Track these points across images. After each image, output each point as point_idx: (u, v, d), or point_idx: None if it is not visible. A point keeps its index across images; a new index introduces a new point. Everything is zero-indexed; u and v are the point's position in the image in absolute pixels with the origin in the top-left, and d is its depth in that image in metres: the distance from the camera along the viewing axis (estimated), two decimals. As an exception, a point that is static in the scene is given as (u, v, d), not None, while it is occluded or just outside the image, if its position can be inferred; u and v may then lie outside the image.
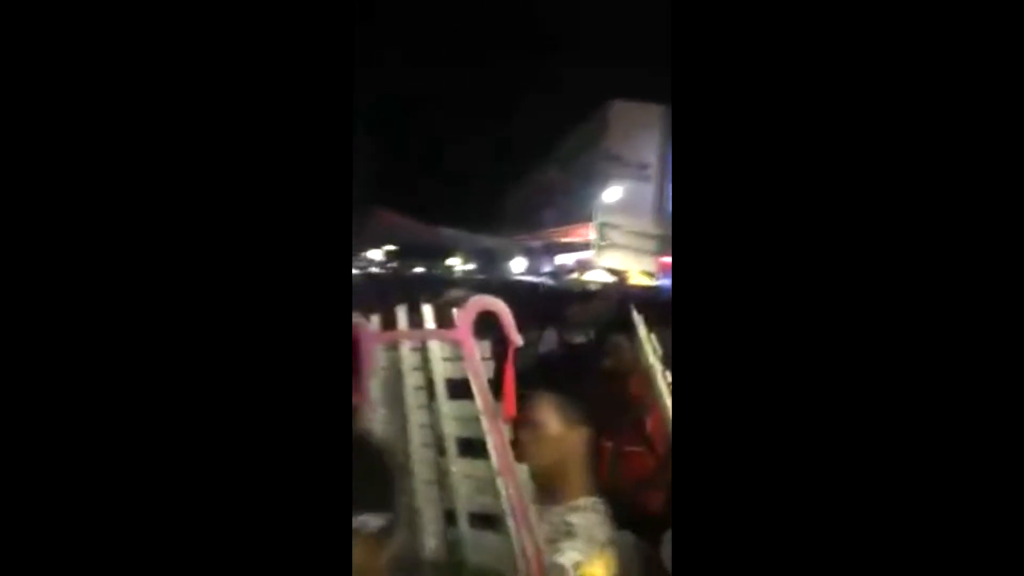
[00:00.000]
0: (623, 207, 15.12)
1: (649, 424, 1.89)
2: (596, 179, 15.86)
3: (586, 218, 15.74)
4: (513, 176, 25.33)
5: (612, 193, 15.13)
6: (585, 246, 15.71)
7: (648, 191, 15.76)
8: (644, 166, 15.85)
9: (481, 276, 17.83)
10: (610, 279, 12.68)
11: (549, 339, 3.38)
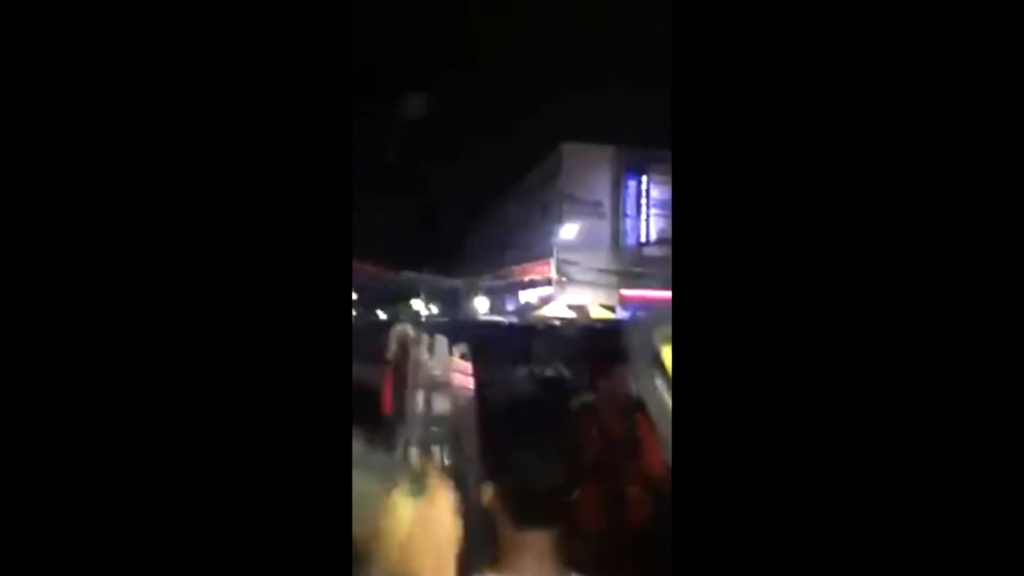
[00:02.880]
0: (580, 244, 15.63)
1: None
2: (553, 217, 16.37)
3: (546, 256, 16.15)
4: (473, 217, 25.69)
5: (569, 231, 15.64)
6: (546, 283, 16.06)
7: (603, 228, 16.37)
8: (598, 204, 16.49)
9: (444, 318, 17.84)
10: (571, 314, 12.97)
11: (519, 375, 3.43)
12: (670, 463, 0.63)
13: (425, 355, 1.13)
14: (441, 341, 1.18)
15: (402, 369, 1.08)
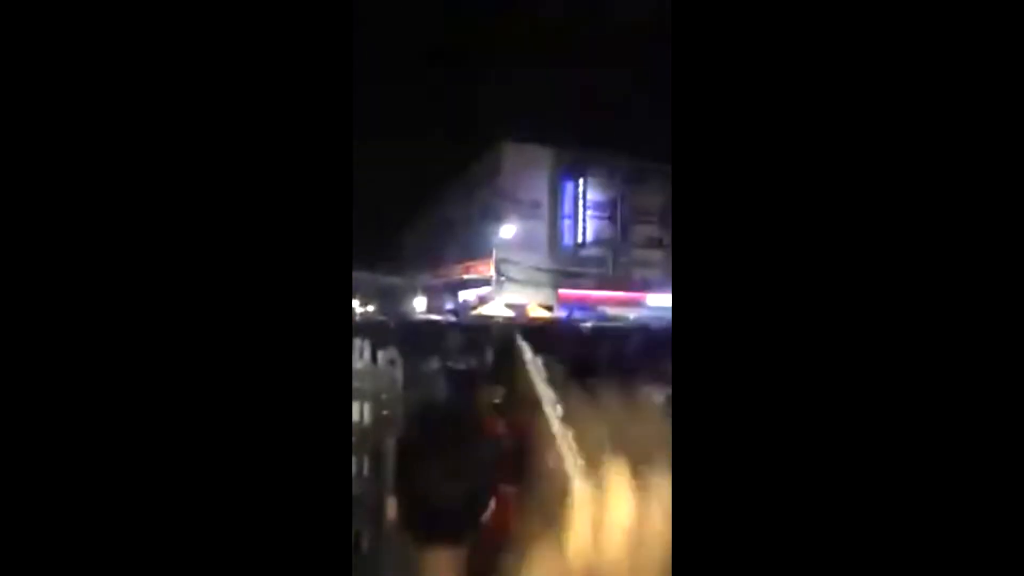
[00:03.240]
0: (519, 244, 15.75)
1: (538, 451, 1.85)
2: (492, 217, 16.41)
3: (485, 255, 16.17)
4: (411, 215, 25.34)
5: (508, 230, 15.72)
6: (485, 282, 16.08)
7: (541, 228, 16.58)
8: (536, 204, 16.68)
9: (382, 316, 17.54)
10: (510, 313, 13.07)
11: (431, 365, 3.40)
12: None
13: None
14: (363, 345, 1.13)
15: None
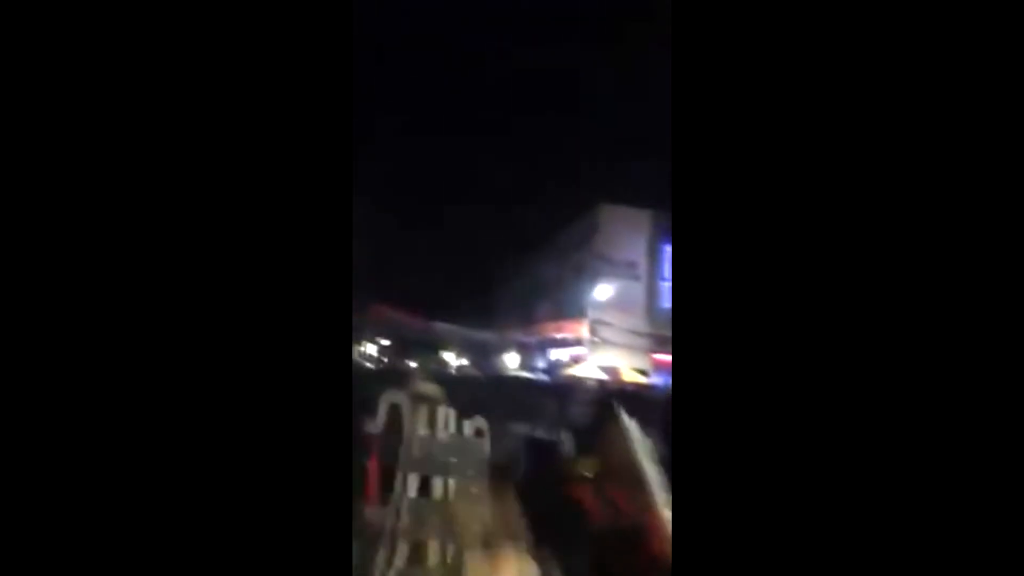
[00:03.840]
0: (614, 305, 15.49)
1: (646, 539, 1.69)
2: (587, 277, 16.36)
3: (579, 315, 16.04)
4: (508, 272, 25.92)
5: (603, 291, 15.56)
6: (578, 342, 15.87)
7: (638, 290, 16.24)
8: (633, 265, 16.43)
9: (474, 371, 17.72)
10: (602, 376, 12.72)
11: (511, 432, 3.27)
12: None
13: (423, 430, 0.96)
14: (447, 413, 1.03)
15: (393, 446, 0.93)
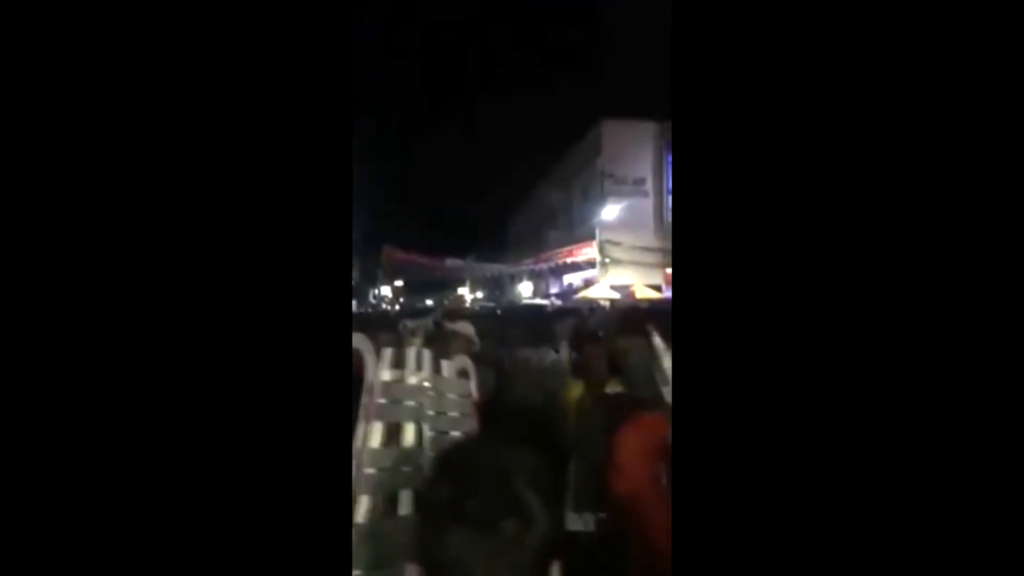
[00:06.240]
0: (623, 224, 15.28)
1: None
2: (595, 198, 16.07)
3: (588, 237, 15.90)
4: (514, 202, 25.60)
5: (611, 211, 15.31)
6: (590, 264, 15.83)
7: (647, 206, 15.94)
8: (640, 182, 16.05)
9: (490, 303, 17.94)
10: (615, 295, 12.77)
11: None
12: None
13: (386, 375, 0.89)
14: (421, 354, 0.95)
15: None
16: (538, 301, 15.74)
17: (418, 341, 1.52)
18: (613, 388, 2.00)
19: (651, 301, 11.92)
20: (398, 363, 0.91)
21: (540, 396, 2.25)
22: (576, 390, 2.19)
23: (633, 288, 13.66)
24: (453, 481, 0.57)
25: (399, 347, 0.96)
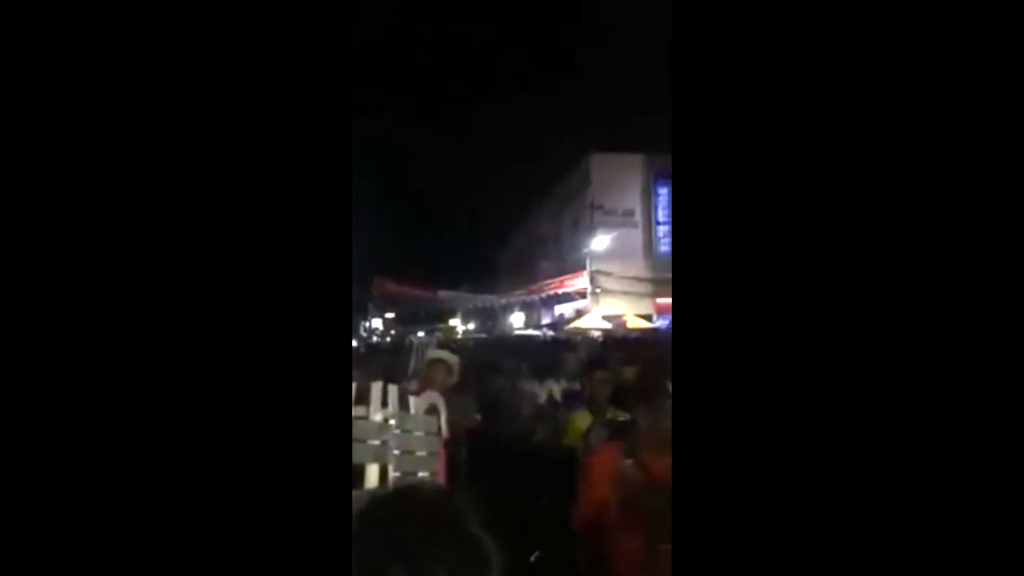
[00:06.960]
0: (613, 254, 15.40)
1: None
2: (585, 229, 16.22)
3: (579, 268, 15.99)
4: (506, 234, 25.76)
5: (601, 241, 15.44)
6: (580, 295, 15.88)
7: (636, 237, 16.10)
8: (629, 213, 16.24)
9: (481, 334, 17.87)
10: (606, 325, 12.78)
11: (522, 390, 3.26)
12: None
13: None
14: (388, 390, 0.92)
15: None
16: (530, 332, 15.71)
17: (423, 361, 1.48)
18: (614, 415, 2.04)
19: (643, 331, 11.93)
20: (360, 398, 0.89)
21: (538, 428, 2.25)
22: (583, 421, 2.20)
23: (624, 318, 13.68)
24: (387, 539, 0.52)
25: (365, 380, 0.93)
